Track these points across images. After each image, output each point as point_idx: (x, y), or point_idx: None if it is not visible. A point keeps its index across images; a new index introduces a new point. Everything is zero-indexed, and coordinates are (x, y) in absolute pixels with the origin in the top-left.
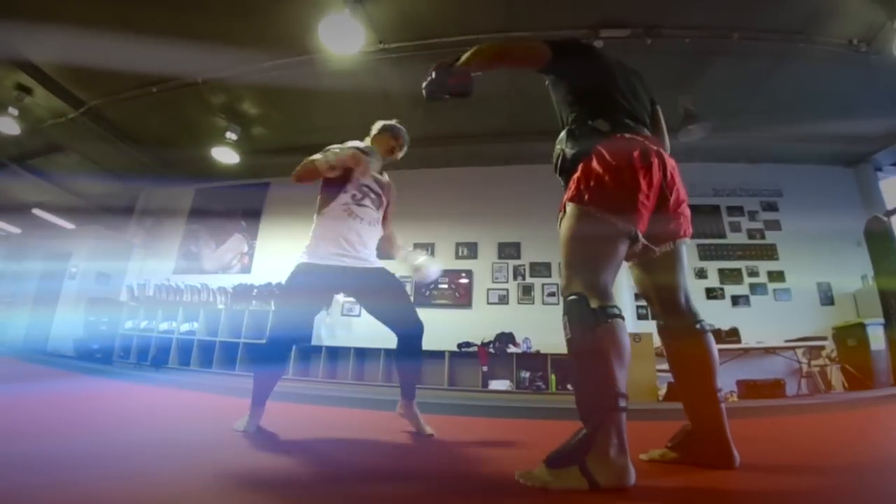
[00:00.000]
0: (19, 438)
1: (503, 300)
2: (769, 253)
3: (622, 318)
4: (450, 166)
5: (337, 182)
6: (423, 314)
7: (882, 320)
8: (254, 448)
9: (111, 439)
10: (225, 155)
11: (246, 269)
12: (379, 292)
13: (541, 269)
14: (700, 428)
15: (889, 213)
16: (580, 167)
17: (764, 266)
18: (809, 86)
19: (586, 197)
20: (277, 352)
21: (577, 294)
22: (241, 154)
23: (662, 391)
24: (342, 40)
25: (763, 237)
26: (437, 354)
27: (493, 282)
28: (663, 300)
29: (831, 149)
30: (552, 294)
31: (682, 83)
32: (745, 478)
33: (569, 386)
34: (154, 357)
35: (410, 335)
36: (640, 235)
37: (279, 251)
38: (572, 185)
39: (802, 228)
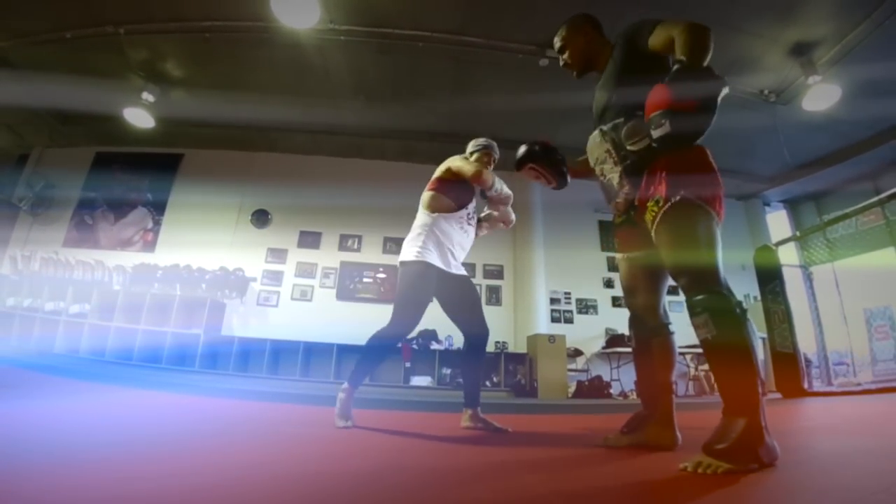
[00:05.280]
0: None
1: None
2: (674, 275)
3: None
4: (383, 159)
5: (466, 196)
6: (348, 308)
7: (763, 334)
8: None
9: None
10: (138, 117)
11: (149, 248)
12: (461, 298)
13: (466, 269)
14: (653, 413)
15: (778, 244)
16: (682, 162)
17: None
18: (716, 125)
19: (705, 195)
20: (395, 342)
21: (723, 292)
22: (157, 119)
23: (572, 389)
24: (295, 13)
25: None
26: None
27: None
28: (653, 299)
29: (727, 182)
30: None
31: None
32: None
33: (487, 381)
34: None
35: (478, 339)
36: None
37: (190, 230)
38: (683, 180)
39: None
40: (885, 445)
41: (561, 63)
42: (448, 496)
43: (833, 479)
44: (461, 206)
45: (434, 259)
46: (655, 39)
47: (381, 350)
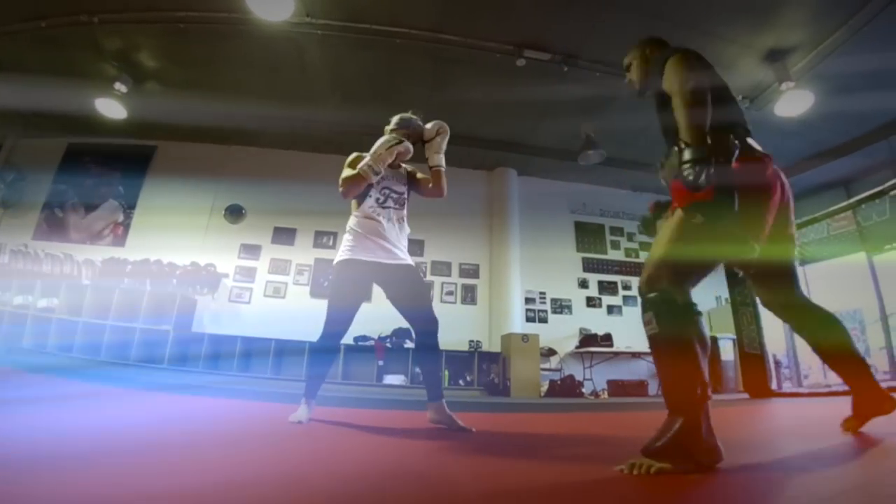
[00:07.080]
0: None
1: None
2: (641, 270)
3: (701, 313)
4: None
5: (363, 188)
6: (322, 306)
7: (732, 336)
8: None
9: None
10: (110, 108)
11: (119, 242)
12: (403, 287)
13: (442, 268)
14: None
15: None
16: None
17: (636, 281)
18: None
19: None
20: (331, 347)
21: (671, 291)
22: (129, 110)
23: (544, 388)
24: (269, 5)
25: (638, 256)
26: None
27: None
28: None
29: None
30: (451, 293)
31: (587, 111)
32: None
33: (461, 379)
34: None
35: (426, 330)
36: None
37: (162, 224)
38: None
39: None
40: (839, 450)
41: (626, 80)
42: (369, 494)
43: (774, 484)
44: (362, 197)
45: (353, 254)
46: (666, 85)
47: (319, 356)
